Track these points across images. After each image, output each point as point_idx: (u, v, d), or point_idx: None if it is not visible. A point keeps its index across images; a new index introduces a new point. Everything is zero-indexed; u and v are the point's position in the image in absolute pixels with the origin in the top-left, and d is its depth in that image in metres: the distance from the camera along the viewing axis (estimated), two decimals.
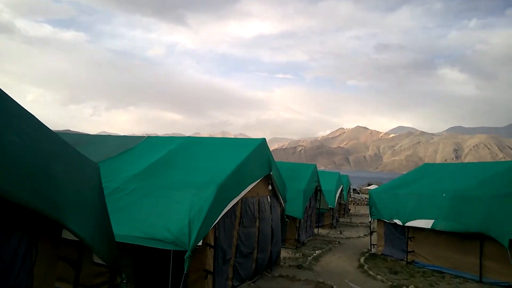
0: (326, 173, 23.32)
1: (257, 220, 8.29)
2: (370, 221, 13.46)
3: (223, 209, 6.24)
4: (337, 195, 21.36)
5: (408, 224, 10.96)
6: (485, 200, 8.99)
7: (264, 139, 8.67)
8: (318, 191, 17.19)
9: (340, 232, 18.87)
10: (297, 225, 13.31)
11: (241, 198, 7.22)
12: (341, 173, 31.44)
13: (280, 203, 10.44)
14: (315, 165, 15.60)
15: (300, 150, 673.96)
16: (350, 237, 17.25)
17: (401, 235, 11.63)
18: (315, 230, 17.88)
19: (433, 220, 10.12)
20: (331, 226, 20.71)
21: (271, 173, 8.68)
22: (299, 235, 13.80)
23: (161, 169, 7.14)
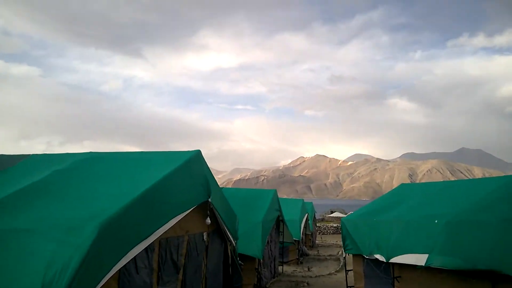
0: (289, 201, 20.95)
1: (181, 270, 5.53)
2: (344, 257, 11.07)
3: (118, 262, 3.62)
4: (302, 225, 18.97)
5: (394, 260, 8.66)
6: (494, 226, 6.85)
7: (199, 151, 6.18)
8: (280, 221, 14.73)
9: (308, 269, 16.36)
10: (257, 266, 10.68)
11: (159, 240, 4.61)
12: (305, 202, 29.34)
13: (229, 241, 7.87)
14: (275, 190, 13.20)
15: (263, 180, 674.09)
16: (320, 275, 14.76)
17: (385, 274, 9.29)
18: (279, 268, 15.27)
19: (426, 255, 7.87)
20: (298, 262, 18.17)
21: (209, 199, 6.11)
22: (260, 279, 11.16)
23: (25, 200, 4.38)
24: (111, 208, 3.67)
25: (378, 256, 9.25)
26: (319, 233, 39.81)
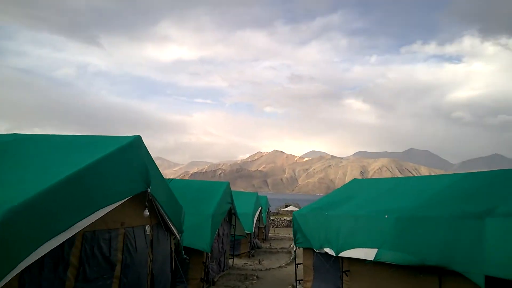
0: (243, 194, 20.63)
1: (118, 266, 4.97)
2: (295, 251, 10.90)
3: (26, 258, 3.02)
4: (255, 218, 18.76)
5: (343, 254, 8.59)
6: (443, 223, 6.87)
7: (139, 136, 5.59)
8: (232, 214, 14.36)
9: (259, 262, 16.14)
10: (204, 260, 10.22)
11: (82, 233, 4.03)
12: (260, 196, 29.16)
13: (173, 234, 7.35)
14: (228, 183, 12.77)
15: (220, 174, 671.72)
16: (270, 268, 14.57)
17: (334, 268, 9.22)
18: (230, 262, 14.92)
19: (376, 250, 7.83)
20: (249, 255, 17.92)
21: (149, 190, 5.55)
22: (207, 273, 10.71)
23: None
24: (20, 196, 3.05)
25: (327, 250, 9.15)
26: (273, 226, 40.02)
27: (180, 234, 7.49)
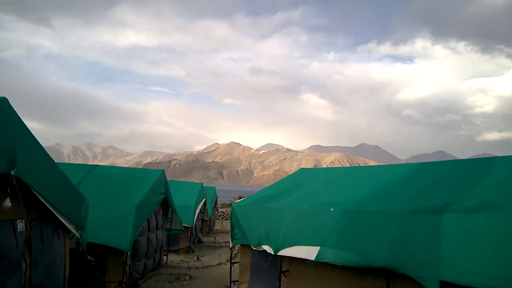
0: (185, 184, 19.08)
1: None
2: (231, 248, 9.68)
3: None
4: (198, 211, 17.33)
5: (282, 252, 7.48)
6: (394, 218, 5.89)
7: (3, 98, 4.07)
8: (169, 206, 12.88)
9: (198, 258, 14.81)
10: (124, 260, 8.70)
11: None
12: (216, 187, 27.72)
13: (66, 232, 5.82)
14: (162, 171, 11.27)
15: (175, 164, 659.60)
16: (208, 266, 13.28)
17: (272, 268, 8.10)
18: (164, 259, 13.45)
19: (318, 248, 6.77)
20: (188, 250, 16.52)
21: (12, 172, 4.02)
22: (130, 274, 9.22)
23: None
24: None
25: (266, 248, 8.02)
26: (222, 218, 38.81)
27: (80, 231, 5.96)
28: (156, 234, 11.55)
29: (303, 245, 7.14)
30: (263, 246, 8.10)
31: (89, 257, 6.53)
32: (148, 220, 10.42)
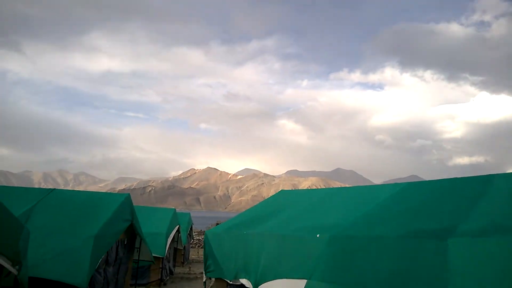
0: (156, 210, 17.77)
1: None
2: (205, 282, 8.58)
3: None
4: (170, 239, 16.05)
5: (263, 287, 6.53)
6: (394, 244, 5.09)
7: None
8: (136, 235, 11.66)
9: None
10: None
11: None
12: (193, 214, 26.36)
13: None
14: (128, 195, 10.16)
15: (150, 191, 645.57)
16: None
17: None
18: None
19: (304, 281, 5.87)
20: (160, 284, 15.14)
21: None
22: None
23: None
24: None
25: (244, 282, 7.03)
26: (199, 246, 37.12)
27: (18, 267, 4.85)
28: (119, 266, 10.28)
29: (287, 277, 6.21)
30: (240, 279, 7.11)
31: None
32: (107, 251, 9.22)
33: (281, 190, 10.14)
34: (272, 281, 6.40)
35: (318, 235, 6.15)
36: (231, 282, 7.35)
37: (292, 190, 10.13)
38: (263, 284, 6.48)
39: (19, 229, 4.83)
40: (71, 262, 7.31)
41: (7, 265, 4.59)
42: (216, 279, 8.08)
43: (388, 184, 7.85)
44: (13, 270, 4.77)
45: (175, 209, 18.28)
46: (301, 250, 6.28)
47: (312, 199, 8.80)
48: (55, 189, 9.89)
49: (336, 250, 5.75)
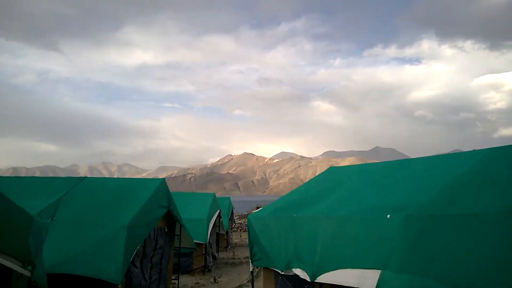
0: (194, 196, 17.10)
1: None
2: (252, 271, 7.63)
3: None
4: (211, 224, 15.34)
5: (322, 279, 5.44)
6: (496, 223, 3.86)
7: None
8: (176, 222, 10.96)
9: (215, 280, 12.83)
10: None
11: None
12: (232, 199, 25.78)
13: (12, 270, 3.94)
14: (163, 180, 9.38)
15: (190, 178, 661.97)
16: None
17: None
18: (176, 283, 11.50)
19: (376, 272, 4.74)
20: (204, 270, 14.54)
21: None
22: None
23: None
24: None
25: (298, 272, 5.99)
26: (241, 230, 36.78)
27: (30, 267, 4.05)
28: (161, 256, 9.60)
29: (353, 267, 5.09)
30: (293, 269, 6.08)
31: None
32: (145, 241, 8.49)
33: (330, 167, 8.93)
34: (333, 271, 5.31)
35: (388, 216, 4.97)
36: (282, 273, 6.33)
37: (343, 166, 8.89)
38: (322, 275, 5.41)
39: (28, 222, 4.00)
40: (103, 255, 6.58)
41: (16, 267, 3.78)
42: (264, 268, 7.12)
43: (463, 152, 6.47)
44: (25, 272, 3.97)
45: (214, 194, 17.56)
46: (367, 234, 5.13)
47: (369, 175, 7.54)
48: (86, 177, 9.26)
49: (415, 233, 4.55)
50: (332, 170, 8.91)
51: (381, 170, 7.52)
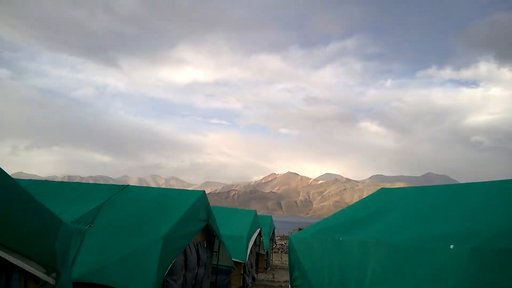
0: (236, 212, 16.76)
1: None
2: None
3: None
4: (251, 243, 14.87)
5: None
6: None
7: None
8: (214, 237, 10.64)
9: None
10: None
11: None
12: (273, 218, 25.21)
13: (27, 277, 3.74)
14: (203, 192, 9.14)
15: (234, 195, 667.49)
16: None
17: None
18: None
19: None
20: None
21: None
22: None
23: None
24: None
25: None
26: (282, 251, 35.79)
27: (55, 274, 3.83)
28: (197, 273, 9.27)
29: None
30: None
31: None
32: (186, 254, 8.21)
33: (381, 188, 8.21)
34: None
35: (452, 246, 4.26)
36: None
37: (397, 188, 8.13)
38: None
39: (55, 226, 3.80)
40: (137, 267, 6.34)
41: (39, 272, 3.56)
42: None
43: None
44: (49, 280, 3.75)
45: (255, 211, 17.11)
46: (426, 266, 4.44)
47: (427, 199, 6.75)
48: (128, 185, 9.24)
49: (484, 269, 3.83)
50: (383, 192, 8.18)
51: (440, 194, 6.72)
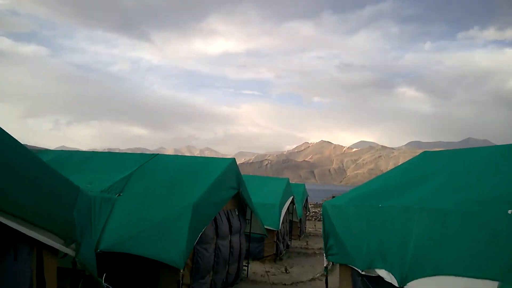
0: (267, 180, 16.52)
1: None
2: (326, 266, 6.75)
3: None
4: (284, 211, 14.65)
5: (415, 286, 4.39)
6: None
7: None
8: (244, 206, 10.46)
9: (286, 270, 12.17)
10: (180, 279, 6.36)
11: None
12: (306, 187, 24.92)
13: (45, 248, 3.57)
14: (233, 159, 8.84)
15: (267, 164, 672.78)
16: (298, 281, 10.55)
17: None
18: (244, 270, 11.06)
19: (494, 284, 3.58)
20: (275, 259, 13.98)
21: None
22: None
23: None
24: None
25: (383, 274, 4.96)
26: (315, 219, 35.73)
27: (74, 245, 3.66)
28: (230, 241, 9.15)
29: (456, 275, 3.97)
30: (377, 270, 5.08)
31: (103, 284, 4.25)
32: (216, 223, 8.06)
33: (425, 151, 7.57)
34: (429, 277, 4.22)
35: (510, 211, 3.75)
36: (363, 272, 5.35)
37: (440, 150, 7.48)
38: (414, 281, 4.34)
39: (73, 194, 3.59)
40: (166, 236, 6.22)
41: (56, 244, 3.38)
42: (341, 265, 6.19)
43: None
44: (68, 251, 3.58)
45: (288, 179, 16.82)
46: (478, 233, 3.95)
47: (475, 161, 6.10)
48: (158, 154, 9.12)
49: None
50: (426, 155, 7.55)
51: (491, 155, 6.05)
